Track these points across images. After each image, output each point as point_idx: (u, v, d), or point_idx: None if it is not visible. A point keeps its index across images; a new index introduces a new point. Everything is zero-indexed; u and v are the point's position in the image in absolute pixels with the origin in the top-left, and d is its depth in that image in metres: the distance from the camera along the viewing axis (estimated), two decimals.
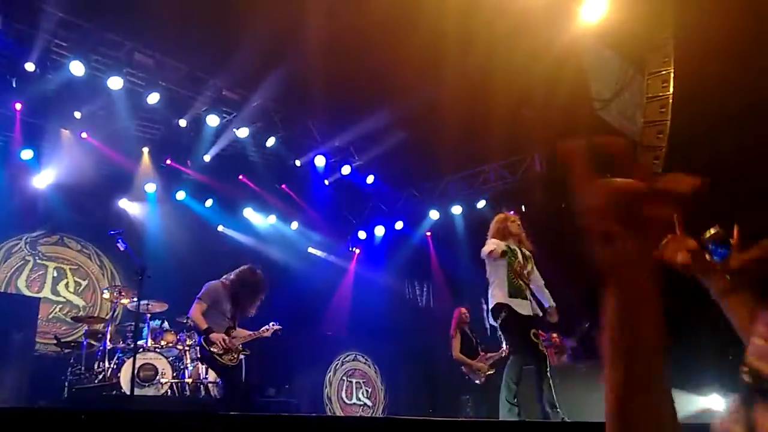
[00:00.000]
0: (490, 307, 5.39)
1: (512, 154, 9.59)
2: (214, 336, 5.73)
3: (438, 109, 7.84)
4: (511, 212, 6.49)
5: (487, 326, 5.50)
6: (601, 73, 7.25)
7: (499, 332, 5.41)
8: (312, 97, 8.19)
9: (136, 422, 2.64)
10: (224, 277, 5.99)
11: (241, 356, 6.21)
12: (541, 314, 5.43)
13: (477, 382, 7.78)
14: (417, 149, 8.90)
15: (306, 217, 10.39)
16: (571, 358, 8.19)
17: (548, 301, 5.54)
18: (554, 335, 8.16)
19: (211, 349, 5.78)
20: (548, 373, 5.12)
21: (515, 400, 5.03)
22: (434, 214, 10.41)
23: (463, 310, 7.71)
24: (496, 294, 5.32)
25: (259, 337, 6.18)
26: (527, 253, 5.63)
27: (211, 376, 6.54)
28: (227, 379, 6.07)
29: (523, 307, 5.27)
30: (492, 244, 5.39)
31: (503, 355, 8.06)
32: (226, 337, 5.76)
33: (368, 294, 9.90)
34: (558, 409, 4.97)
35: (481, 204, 9.99)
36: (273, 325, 6.24)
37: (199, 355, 6.19)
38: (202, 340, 5.88)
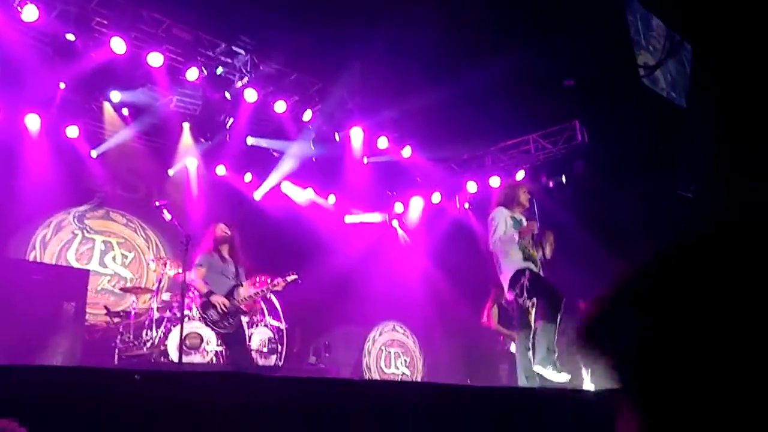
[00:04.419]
0: (508, 282, 5.05)
1: (553, 124, 9.40)
2: (213, 299, 5.56)
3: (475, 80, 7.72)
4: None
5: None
6: (646, 38, 7.02)
7: (525, 301, 4.94)
8: (348, 70, 8.17)
9: (183, 382, 2.73)
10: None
11: (243, 320, 5.98)
12: None
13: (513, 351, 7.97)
14: (454, 120, 8.80)
15: (343, 190, 10.43)
16: None
17: None
18: None
19: (209, 312, 5.57)
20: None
21: (557, 364, 4.83)
22: (472, 186, 10.32)
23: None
24: (512, 262, 5.04)
25: (270, 290, 6.10)
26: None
27: (254, 344, 6.69)
28: (227, 347, 5.99)
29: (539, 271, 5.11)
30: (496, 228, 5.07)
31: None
32: (225, 301, 5.57)
33: (406, 265, 9.94)
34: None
35: (520, 175, 9.84)
36: (288, 275, 5.99)
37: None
38: (201, 305, 5.66)
